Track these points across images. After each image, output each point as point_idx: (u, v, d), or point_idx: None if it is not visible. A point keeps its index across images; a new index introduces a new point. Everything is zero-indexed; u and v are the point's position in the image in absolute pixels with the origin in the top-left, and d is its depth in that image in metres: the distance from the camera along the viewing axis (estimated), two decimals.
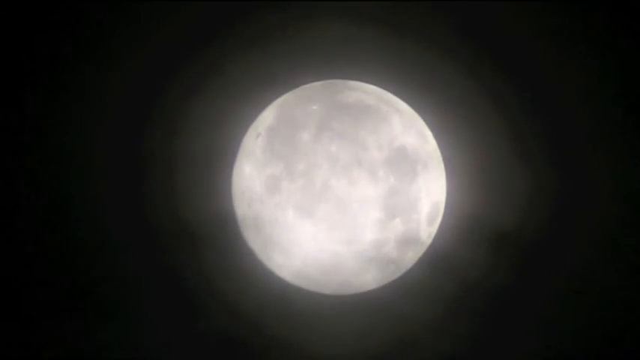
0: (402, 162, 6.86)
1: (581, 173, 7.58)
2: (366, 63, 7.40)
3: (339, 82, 7.28)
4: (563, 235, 7.59)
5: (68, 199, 7.50)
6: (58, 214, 7.50)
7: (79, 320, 7.51)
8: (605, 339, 7.55)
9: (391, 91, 7.24)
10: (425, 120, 7.25)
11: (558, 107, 7.58)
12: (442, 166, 7.24)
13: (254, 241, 7.12)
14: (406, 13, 7.49)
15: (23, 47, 7.46)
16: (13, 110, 7.47)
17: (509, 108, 7.54)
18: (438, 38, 7.49)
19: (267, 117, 7.16)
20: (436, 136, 7.25)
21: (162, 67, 7.50)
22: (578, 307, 7.58)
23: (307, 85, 7.29)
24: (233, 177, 7.22)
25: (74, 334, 7.47)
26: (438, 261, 7.41)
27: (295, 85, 7.31)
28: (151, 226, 7.44)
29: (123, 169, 7.45)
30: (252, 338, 7.48)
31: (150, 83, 7.50)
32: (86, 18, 7.46)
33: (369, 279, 7.11)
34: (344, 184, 6.71)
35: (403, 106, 7.21)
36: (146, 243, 7.48)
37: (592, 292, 7.56)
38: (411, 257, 7.21)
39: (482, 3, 7.48)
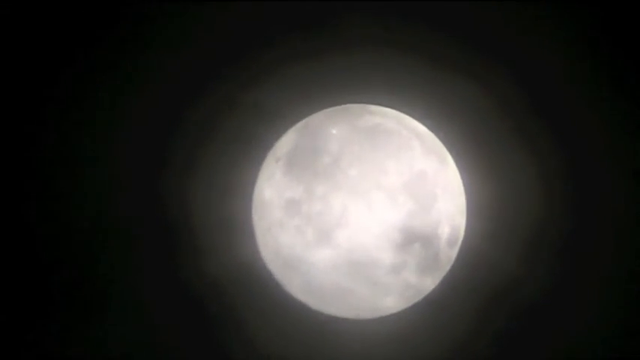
0: (422, 186, 6.86)
1: (600, 200, 7.57)
2: (386, 87, 7.42)
3: (359, 107, 7.30)
4: (581, 256, 7.57)
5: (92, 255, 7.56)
6: (84, 275, 7.54)
7: None
8: None
9: (411, 115, 7.26)
10: (445, 144, 7.25)
11: (579, 135, 7.59)
12: (462, 190, 7.23)
13: (274, 263, 7.13)
14: (426, 36, 7.52)
15: (30, 103, 7.54)
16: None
17: (531, 132, 7.54)
18: (459, 61, 7.51)
19: (287, 141, 7.19)
20: (456, 160, 7.24)
21: (180, 97, 7.56)
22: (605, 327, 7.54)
23: (327, 110, 7.32)
24: (253, 200, 7.24)
25: None
26: (458, 285, 7.39)
27: (315, 110, 7.33)
28: (168, 251, 7.47)
29: (140, 197, 7.49)
30: None
31: (173, 104, 7.56)
32: (100, 51, 7.54)
33: (389, 303, 7.10)
34: (363, 208, 6.72)
35: (423, 130, 7.22)
36: (162, 261, 7.52)
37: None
38: (431, 282, 7.19)
39: (505, 27, 7.50)
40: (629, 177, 7.54)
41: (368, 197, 6.72)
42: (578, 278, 7.55)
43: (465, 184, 7.23)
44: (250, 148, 7.39)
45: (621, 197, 7.55)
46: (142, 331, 7.49)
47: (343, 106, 7.32)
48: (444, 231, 6.98)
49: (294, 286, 7.09)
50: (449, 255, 7.15)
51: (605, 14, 7.55)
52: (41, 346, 7.44)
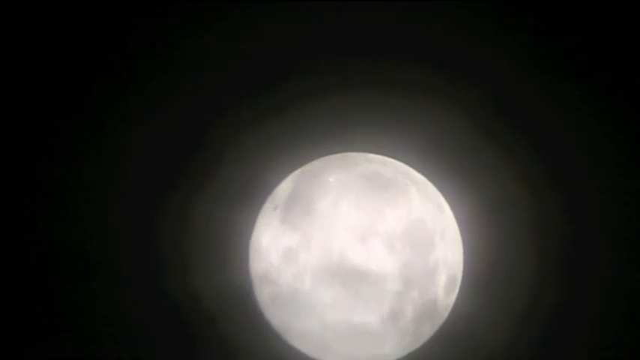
0: (420, 234, 6.88)
1: (598, 251, 7.58)
2: (384, 135, 7.47)
3: (357, 155, 7.34)
4: (578, 310, 7.56)
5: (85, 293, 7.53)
6: (74, 311, 7.52)
7: None
8: None
9: (408, 163, 7.30)
10: (442, 192, 7.28)
11: (577, 179, 7.62)
12: (459, 238, 7.25)
13: (271, 312, 7.11)
14: (426, 85, 7.58)
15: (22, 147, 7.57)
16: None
17: (530, 178, 7.58)
18: (459, 110, 7.56)
19: (285, 188, 7.21)
20: (453, 208, 7.27)
21: (178, 141, 7.59)
22: None
23: (325, 158, 7.36)
24: (250, 249, 7.24)
25: None
26: (455, 334, 7.37)
27: (312, 158, 7.37)
28: (166, 301, 7.44)
29: (138, 247, 7.48)
30: None
31: (165, 157, 7.58)
32: (94, 95, 7.59)
33: (386, 351, 7.07)
34: (361, 256, 6.73)
35: (420, 178, 7.26)
36: (160, 318, 7.48)
37: None
38: (429, 329, 7.18)
39: (505, 74, 7.57)
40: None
41: (366, 244, 6.73)
42: (576, 335, 7.55)
43: (462, 232, 7.26)
44: (247, 196, 7.40)
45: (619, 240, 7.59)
46: None
47: (342, 154, 7.36)
48: (442, 279, 6.98)
49: (292, 334, 7.07)
50: (446, 303, 7.15)
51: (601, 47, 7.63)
52: None
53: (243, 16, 7.60)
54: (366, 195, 6.86)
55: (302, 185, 7.10)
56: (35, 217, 7.52)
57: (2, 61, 7.48)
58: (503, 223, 7.50)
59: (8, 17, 7.38)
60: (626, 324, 7.53)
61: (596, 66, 7.61)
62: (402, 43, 7.60)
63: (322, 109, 7.55)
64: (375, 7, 7.61)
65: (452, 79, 7.57)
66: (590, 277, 7.54)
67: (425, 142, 7.51)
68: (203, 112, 7.57)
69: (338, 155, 7.37)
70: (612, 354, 7.52)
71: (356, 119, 7.55)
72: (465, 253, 7.27)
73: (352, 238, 6.72)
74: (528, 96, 7.62)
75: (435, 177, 7.30)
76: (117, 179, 7.55)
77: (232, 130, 7.56)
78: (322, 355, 7.12)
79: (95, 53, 7.57)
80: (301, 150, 7.41)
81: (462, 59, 7.60)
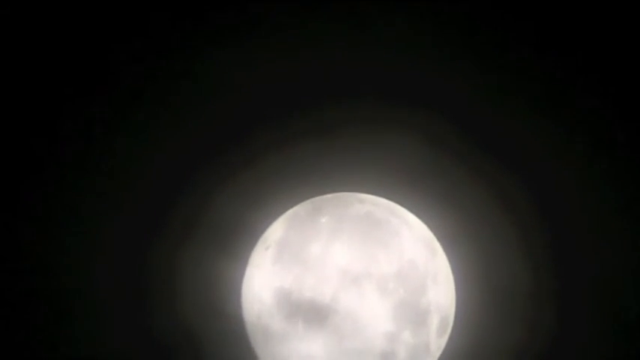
0: (412, 275, 6.89)
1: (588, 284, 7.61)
2: (376, 176, 7.50)
3: (348, 195, 7.36)
4: (571, 345, 7.57)
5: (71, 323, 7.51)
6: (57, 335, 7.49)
7: None
8: None
9: (401, 204, 7.32)
10: (434, 233, 7.31)
11: (568, 217, 7.66)
12: (451, 278, 7.26)
13: (264, 353, 7.10)
14: (418, 126, 7.62)
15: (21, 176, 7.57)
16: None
17: (521, 219, 7.61)
18: (449, 150, 7.60)
19: (277, 229, 7.22)
20: (445, 249, 7.29)
21: (171, 179, 7.60)
22: None
23: (317, 198, 7.37)
24: (242, 289, 7.24)
25: None
26: None
27: (305, 198, 7.39)
28: (159, 343, 7.42)
29: (128, 290, 7.46)
30: None
31: (158, 195, 7.58)
32: (88, 135, 7.60)
33: None
34: (354, 297, 6.73)
35: (413, 218, 7.28)
36: (152, 354, 7.46)
37: None
38: None
39: (498, 115, 7.63)
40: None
41: (358, 286, 6.74)
42: None
43: (454, 273, 7.27)
44: (239, 237, 7.41)
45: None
46: None
47: (333, 194, 7.38)
48: (434, 320, 6.99)
49: None
50: (438, 344, 7.15)
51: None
52: None
53: (232, 56, 7.64)
54: (358, 236, 6.88)
55: (294, 226, 7.11)
56: (22, 265, 7.51)
57: None
58: (495, 266, 7.52)
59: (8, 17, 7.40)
60: (621, 345, 7.55)
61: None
62: (396, 87, 7.65)
63: (315, 150, 7.58)
64: (376, 49, 7.67)
65: (443, 121, 7.62)
66: (584, 309, 7.57)
67: (417, 182, 7.54)
68: (191, 157, 7.59)
69: (330, 195, 7.39)
70: None
71: (347, 159, 7.58)
72: (457, 295, 7.29)
73: (344, 280, 6.73)
74: (519, 133, 7.67)
75: (429, 218, 7.32)
76: (105, 225, 7.55)
77: (222, 172, 7.57)
78: None
79: (77, 100, 7.61)
80: (292, 191, 7.43)
81: (452, 102, 7.66)
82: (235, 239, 7.41)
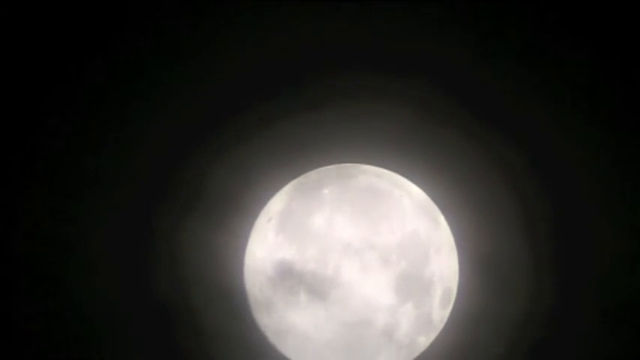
0: (415, 246, 6.87)
1: (588, 255, 7.60)
2: (379, 146, 7.46)
3: (351, 166, 7.33)
4: (571, 318, 7.58)
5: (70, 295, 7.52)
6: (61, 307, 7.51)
7: None
8: None
9: (404, 175, 7.29)
10: (437, 203, 7.28)
11: (570, 187, 7.63)
12: (455, 249, 7.24)
13: (266, 325, 7.11)
14: (420, 96, 7.58)
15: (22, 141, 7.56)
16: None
17: (522, 189, 7.58)
18: (453, 120, 7.56)
19: (279, 201, 7.20)
20: (448, 219, 7.27)
21: (174, 149, 7.57)
22: None
23: (320, 169, 7.35)
24: (245, 261, 7.23)
25: None
26: (450, 345, 7.37)
27: (307, 169, 7.36)
28: (161, 313, 7.44)
29: (131, 257, 7.47)
30: None
31: (159, 168, 7.57)
32: (94, 102, 7.58)
33: None
34: (356, 269, 6.72)
35: (415, 190, 7.25)
36: (155, 330, 7.47)
37: None
38: (424, 341, 7.17)
39: (497, 82, 7.58)
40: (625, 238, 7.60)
41: (361, 257, 6.72)
42: (574, 335, 7.57)
43: (457, 244, 7.25)
44: (241, 207, 7.39)
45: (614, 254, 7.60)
46: None
47: (336, 165, 7.35)
48: (437, 291, 6.98)
49: (288, 346, 7.06)
50: (441, 315, 7.15)
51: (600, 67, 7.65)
52: None
53: (232, 30, 7.59)
54: (360, 208, 6.85)
55: (296, 198, 7.09)
56: (26, 233, 7.53)
57: None
58: (498, 236, 7.50)
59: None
60: (620, 318, 7.56)
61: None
62: (395, 56, 7.60)
63: (317, 121, 7.54)
64: (372, 19, 7.61)
65: (444, 91, 7.57)
66: (584, 279, 7.57)
67: (419, 152, 7.51)
68: (196, 125, 7.56)
69: (333, 166, 7.36)
70: (609, 351, 7.55)
71: (350, 130, 7.54)
72: (460, 265, 7.27)
73: (347, 252, 6.72)
74: (520, 105, 7.63)
75: (431, 189, 7.30)
76: (106, 209, 7.55)
77: (224, 143, 7.54)
78: None
79: (78, 73, 7.58)
80: (295, 162, 7.41)
81: (451, 71, 7.61)
82: (237, 211, 7.39)
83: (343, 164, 7.36)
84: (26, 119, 7.55)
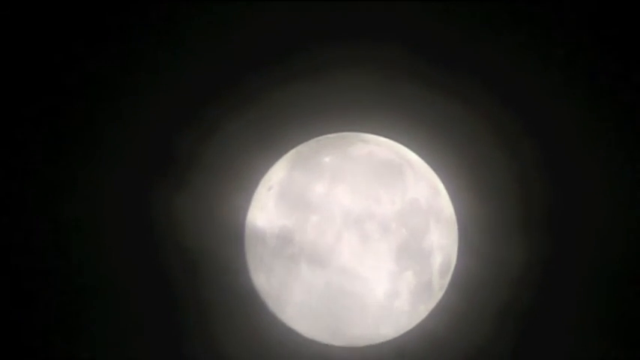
0: (415, 215, 6.88)
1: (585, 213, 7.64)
2: (380, 116, 7.45)
3: (352, 135, 7.32)
4: (566, 277, 7.62)
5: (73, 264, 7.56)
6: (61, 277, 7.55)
7: None
8: None
9: (404, 144, 7.29)
10: (437, 173, 7.28)
11: (571, 157, 7.64)
12: (454, 218, 7.25)
13: (267, 293, 7.13)
14: (419, 63, 7.56)
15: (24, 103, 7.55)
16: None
17: (523, 160, 7.58)
18: (453, 89, 7.55)
19: (279, 169, 7.20)
20: (448, 188, 7.27)
21: (173, 117, 7.57)
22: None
23: (320, 138, 7.34)
24: (245, 230, 7.24)
25: None
26: (450, 313, 7.40)
27: (308, 137, 7.35)
28: (161, 280, 7.47)
29: (132, 226, 7.49)
30: None
31: (160, 134, 7.56)
32: (92, 73, 7.56)
33: (381, 331, 7.11)
34: (356, 237, 6.74)
35: (416, 158, 7.25)
36: (156, 293, 7.51)
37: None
38: (423, 309, 7.21)
39: (496, 50, 7.56)
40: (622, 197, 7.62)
41: (361, 226, 6.74)
42: (571, 294, 7.61)
43: (457, 212, 7.26)
44: (241, 177, 7.39)
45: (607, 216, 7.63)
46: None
47: (337, 134, 7.35)
48: (436, 259, 7.00)
49: (288, 314, 7.09)
50: (441, 283, 7.17)
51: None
52: None
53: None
54: (360, 176, 6.85)
55: (297, 167, 7.09)
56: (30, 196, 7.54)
57: None
58: (498, 204, 7.51)
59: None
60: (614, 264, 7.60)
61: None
62: (395, 27, 7.57)
63: (317, 90, 7.53)
64: None
65: (448, 66, 7.56)
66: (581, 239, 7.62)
67: (419, 121, 7.50)
68: (196, 93, 7.55)
69: (333, 135, 7.36)
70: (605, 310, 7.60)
71: (351, 99, 7.53)
72: (459, 233, 7.28)
73: (347, 220, 6.73)
74: (523, 77, 7.62)
75: (432, 158, 7.30)
76: (105, 172, 7.55)
77: (224, 111, 7.53)
78: (317, 335, 7.15)
79: (86, 43, 7.56)
80: (295, 131, 7.40)
81: (450, 42, 7.59)
82: (238, 180, 7.39)
83: (343, 133, 7.36)
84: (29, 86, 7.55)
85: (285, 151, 7.34)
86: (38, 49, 7.53)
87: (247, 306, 7.32)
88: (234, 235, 7.29)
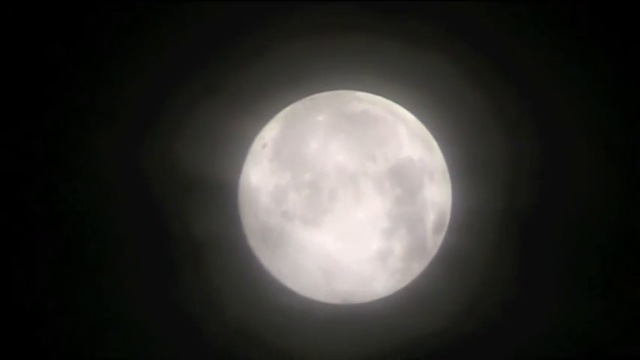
0: (409, 173, 6.89)
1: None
2: (374, 73, 7.44)
3: (346, 93, 7.31)
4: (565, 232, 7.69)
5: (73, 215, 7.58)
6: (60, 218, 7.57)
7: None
8: None
9: (398, 102, 7.28)
10: (431, 131, 7.28)
11: (559, 117, 7.65)
12: (448, 176, 7.26)
13: (261, 251, 7.15)
14: (416, 23, 7.53)
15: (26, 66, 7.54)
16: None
17: (513, 118, 7.59)
18: (446, 48, 7.53)
19: (274, 127, 7.19)
20: (442, 146, 7.28)
21: (168, 75, 7.55)
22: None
23: (315, 95, 7.33)
24: (239, 187, 7.25)
25: None
26: (444, 271, 7.43)
27: (302, 95, 7.34)
28: (156, 237, 7.49)
29: (126, 180, 7.50)
30: (257, 350, 7.52)
31: (155, 91, 7.55)
32: (88, 36, 7.54)
33: (375, 288, 7.14)
34: (350, 195, 6.74)
35: (409, 116, 7.25)
36: (151, 251, 7.53)
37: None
38: (417, 267, 7.24)
39: (492, 13, 7.54)
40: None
41: (355, 183, 6.74)
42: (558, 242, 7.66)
43: (450, 171, 7.27)
44: (236, 135, 7.39)
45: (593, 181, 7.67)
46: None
47: (331, 92, 7.33)
48: (430, 217, 7.01)
49: (282, 272, 7.12)
50: (435, 241, 7.19)
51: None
52: None
53: None
54: (355, 134, 6.85)
55: (291, 124, 7.08)
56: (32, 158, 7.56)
57: None
58: (491, 163, 7.53)
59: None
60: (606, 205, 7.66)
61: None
62: None
63: (309, 48, 7.50)
64: None
65: (443, 28, 7.54)
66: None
67: (413, 80, 7.49)
68: (187, 54, 7.53)
69: (327, 93, 7.34)
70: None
71: (344, 58, 7.51)
72: (453, 192, 7.30)
73: (341, 178, 6.73)
74: (516, 43, 7.61)
75: (425, 116, 7.30)
76: (99, 134, 7.55)
77: (219, 69, 7.52)
78: (312, 293, 7.18)
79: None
80: (290, 88, 7.38)
81: (453, 9, 7.58)
82: (232, 137, 7.39)
83: (338, 91, 7.34)
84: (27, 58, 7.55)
85: (280, 108, 7.33)
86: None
87: (241, 264, 7.35)
88: (228, 191, 7.30)
